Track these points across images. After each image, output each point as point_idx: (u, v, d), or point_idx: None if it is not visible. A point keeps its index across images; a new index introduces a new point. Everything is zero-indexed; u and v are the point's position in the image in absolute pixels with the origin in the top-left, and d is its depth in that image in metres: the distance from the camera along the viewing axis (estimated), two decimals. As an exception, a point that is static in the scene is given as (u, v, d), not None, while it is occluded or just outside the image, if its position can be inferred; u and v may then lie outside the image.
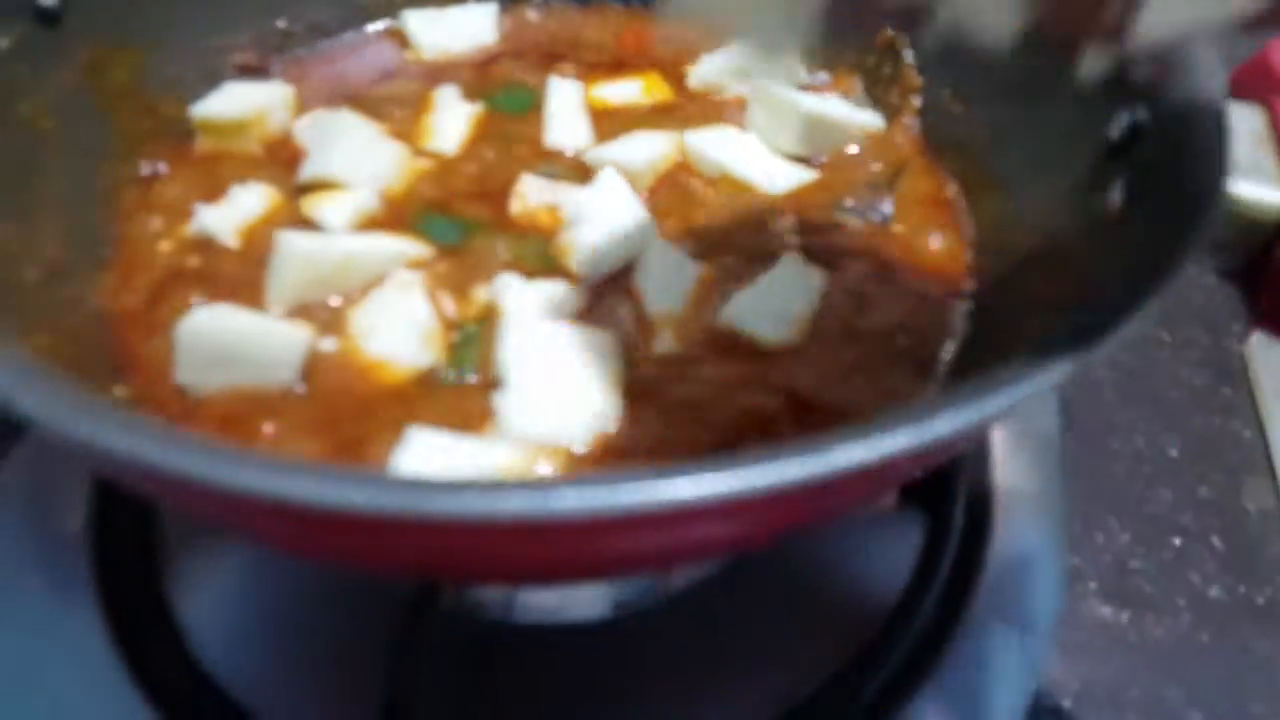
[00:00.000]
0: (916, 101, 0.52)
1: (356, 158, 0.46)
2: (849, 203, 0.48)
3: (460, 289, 0.43)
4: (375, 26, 0.57)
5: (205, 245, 0.43)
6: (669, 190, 0.48)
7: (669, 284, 0.41)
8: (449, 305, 0.42)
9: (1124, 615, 0.69)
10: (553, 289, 0.42)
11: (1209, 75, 0.35)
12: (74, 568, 0.45)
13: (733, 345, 0.41)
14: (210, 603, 0.45)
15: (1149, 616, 0.69)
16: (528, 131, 0.51)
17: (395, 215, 0.46)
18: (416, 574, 0.36)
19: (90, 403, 0.24)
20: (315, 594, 0.45)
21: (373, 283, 0.42)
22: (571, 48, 0.57)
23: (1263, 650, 0.67)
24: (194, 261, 0.43)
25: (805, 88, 0.54)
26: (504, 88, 0.53)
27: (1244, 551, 0.72)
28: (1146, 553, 0.72)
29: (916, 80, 0.52)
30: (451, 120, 0.50)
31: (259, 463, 0.22)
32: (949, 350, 0.42)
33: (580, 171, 0.49)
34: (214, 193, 0.45)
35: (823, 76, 0.55)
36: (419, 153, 0.49)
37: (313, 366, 0.39)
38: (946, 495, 0.50)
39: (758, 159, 0.49)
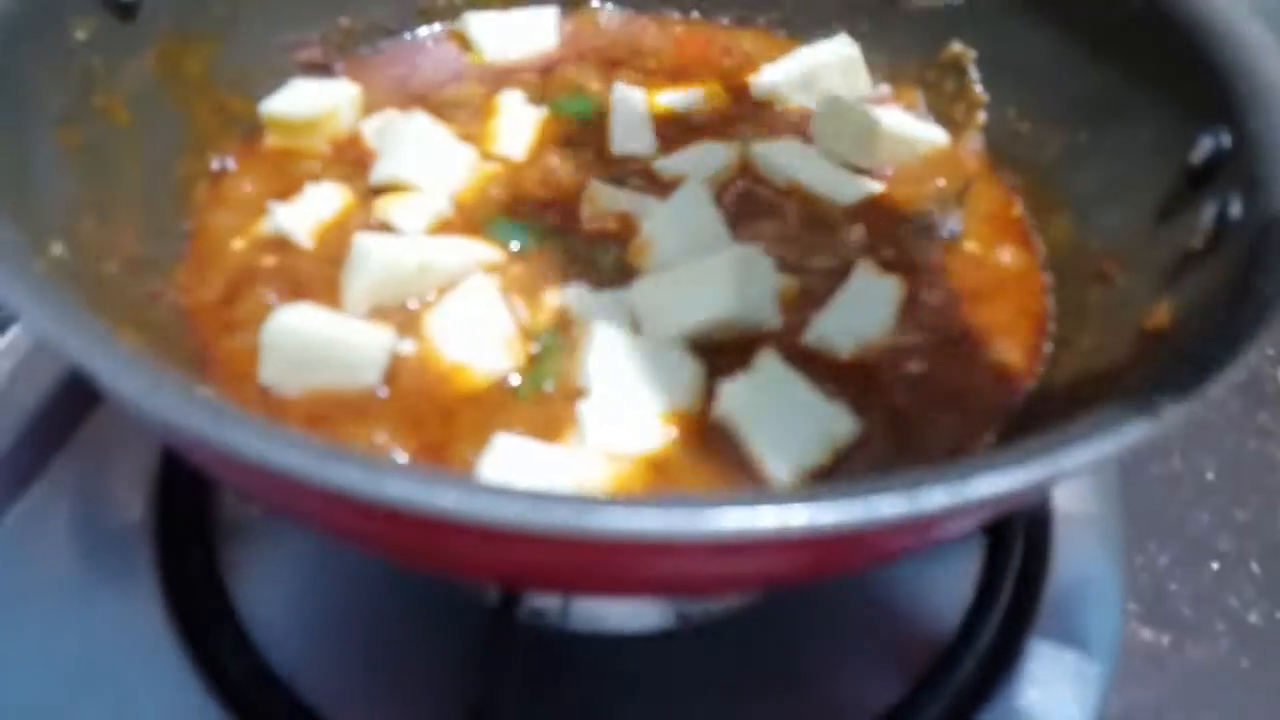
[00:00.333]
0: (981, 118, 0.52)
1: (429, 161, 0.46)
2: (918, 217, 0.48)
3: (532, 294, 0.42)
4: (436, 28, 0.57)
5: (279, 244, 0.43)
6: (737, 199, 0.48)
7: (752, 296, 0.41)
8: (521, 310, 0.41)
9: (1164, 638, 0.69)
10: (627, 298, 0.42)
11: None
12: (135, 560, 0.45)
13: (818, 358, 0.41)
14: (272, 594, 0.45)
15: (1189, 640, 0.69)
16: (592, 137, 0.51)
17: (466, 219, 0.45)
18: (508, 581, 0.36)
19: (218, 404, 0.24)
20: (383, 593, 0.45)
21: (446, 286, 0.41)
22: (632, 54, 0.57)
23: (1302, 678, 0.67)
24: (269, 260, 0.42)
25: (867, 100, 0.53)
26: (567, 93, 0.53)
27: (1282, 577, 0.72)
28: (1185, 575, 0.72)
29: (980, 96, 0.52)
30: (517, 125, 0.50)
31: (406, 473, 0.22)
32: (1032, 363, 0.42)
33: (648, 179, 0.49)
34: (285, 190, 0.45)
35: (884, 89, 0.55)
36: (488, 157, 0.48)
37: (393, 369, 0.39)
38: (1006, 520, 0.50)
39: (825, 170, 0.49)
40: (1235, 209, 0.35)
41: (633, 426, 0.37)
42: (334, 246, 0.43)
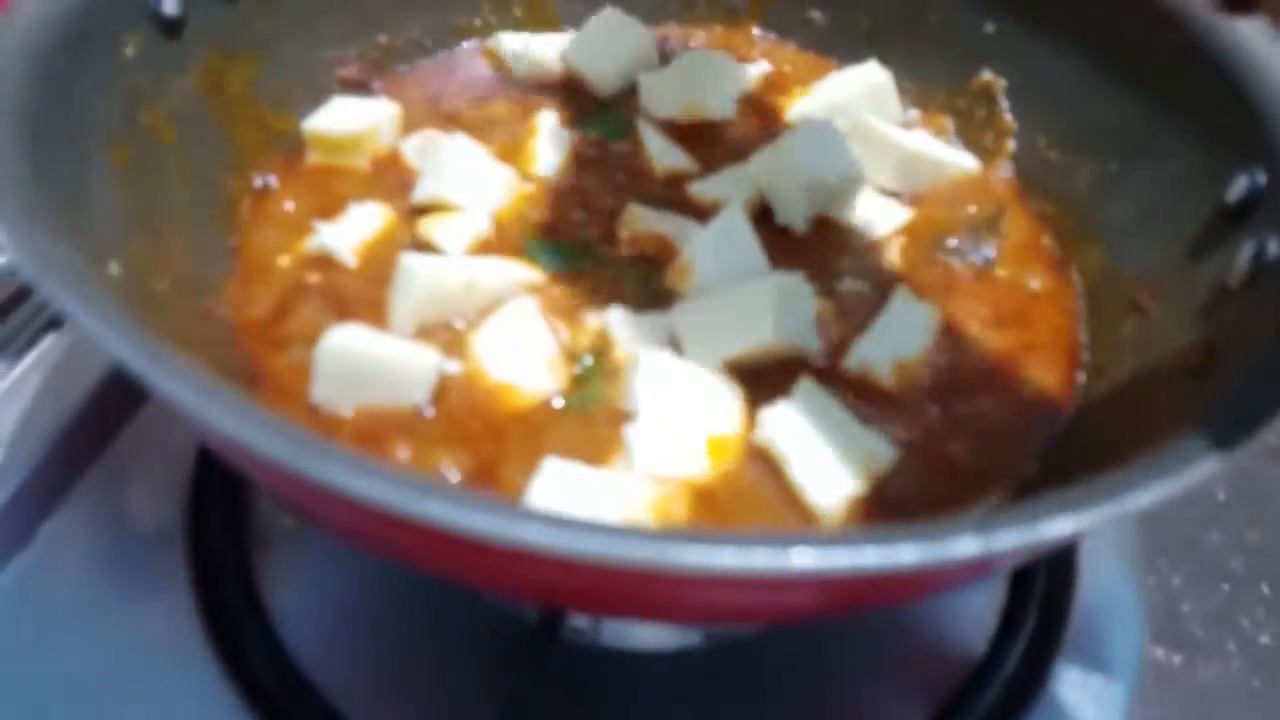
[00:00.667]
0: (1011, 146, 0.52)
1: (470, 181, 0.46)
2: (951, 243, 0.49)
3: (572, 316, 0.43)
4: (470, 45, 0.57)
5: (324, 261, 0.44)
6: (773, 224, 0.48)
7: (793, 322, 0.41)
8: (563, 331, 0.42)
9: (1176, 658, 0.70)
10: (667, 321, 0.42)
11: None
12: (168, 570, 0.45)
13: (857, 384, 0.41)
14: (307, 605, 0.45)
15: (1200, 660, 0.69)
16: (626, 157, 0.51)
17: (505, 239, 0.46)
18: (559, 604, 0.36)
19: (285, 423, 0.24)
20: (417, 603, 0.46)
21: (489, 306, 0.42)
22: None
23: (1311, 699, 0.68)
24: (314, 278, 0.43)
25: (899, 126, 0.54)
26: (599, 112, 0.54)
27: (1293, 598, 0.72)
28: (1197, 596, 0.73)
29: (1010, 124, 0.53)
30: (552, 145, 0.51)
31: (484, 504, 0.22)
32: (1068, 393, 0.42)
33: (683, 201, 0.49)
34: (327, 208, 0.46)
35: (914, 114, 0.56)
36: (525, 176, 0.49)
37: (440, 388, 0.39)
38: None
39: (859, 196, 0.50)
40: (1274, 249, 0.35)
41: (678, 451, 0.38)
42: (377, 265, 0.43)
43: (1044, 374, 0.43)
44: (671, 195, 0.49)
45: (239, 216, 0.45)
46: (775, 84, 0.57)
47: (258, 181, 0.47)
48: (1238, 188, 0.39)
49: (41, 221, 0.31)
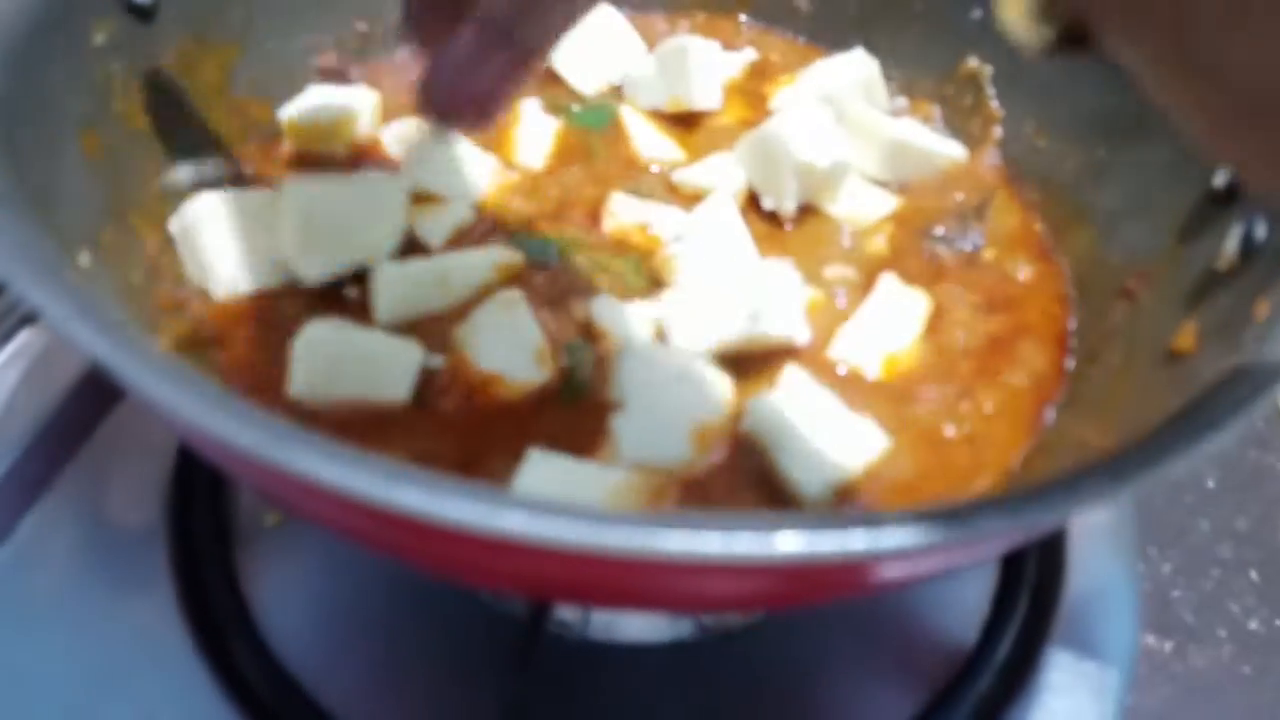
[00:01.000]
0: (997, 133, 0.52)
1: (453, 171, 0.45)
2: (939, 231, 0.48)
3: (559, 306, 0.42)
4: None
5: (303, 252, 0.43)
6: (761, 212, 0.48)
7: (781, 311, 0.41)
8: (549, 322, 0.41)
9: (1167, 645, 0.70)
10: (654, 310, 0.42)
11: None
12: (150, 567, 0.45)
13: (845, 372, 0.41)
14: (291, 602, 0.45)
15: (1192, 647, 0.70)
16: (611, 147, 0.51)
17: (488, 229, 0.45)
18: (546, 596, 0.35)
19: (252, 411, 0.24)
20: (403, 599, 0.45)
21: (475, 298, 0.41)
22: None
23: (1304, 686, 0.68)
24: (293, 269, 0.42)
25: (887, 114, 0.54)
26: (584, 101, 0.53)
27: (1281, 585, 0.73)
28: (1187, 583, 0.73)
29: (996, 111, 0.52)
30: (536, 134, 0.50)
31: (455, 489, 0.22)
32: (1057, 380, 0.42)
33: (670, 190, 0.49)
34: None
35: (901, 102, 0.55)
36: (509, 166, 0.48)
37: (423, 382, 0.39)
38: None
39: (846, 183, 0.49)
40: (1260, 232, 0.35)
41: (665, 440, 0.37)
42: (358, 256, 0.43)
43: (1033, 360, 0.43)
44: (658, 184, 0.49)
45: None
46: (762, 72, 0.56)
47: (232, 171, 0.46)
48: (1224, 172, 0.39)
49: (10, 212, 0.30)
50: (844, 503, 0.36)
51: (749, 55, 0.56)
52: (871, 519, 0.22)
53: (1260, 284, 0.33)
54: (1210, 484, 0.79)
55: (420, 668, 0.45)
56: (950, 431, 0.40)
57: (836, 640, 0.48)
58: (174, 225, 0.42)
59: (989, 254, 0.47)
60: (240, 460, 0.28)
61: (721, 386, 0.40)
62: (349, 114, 0.48)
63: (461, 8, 0.34)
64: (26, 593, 0.45)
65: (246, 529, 0.49)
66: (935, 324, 0.44)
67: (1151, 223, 0.42)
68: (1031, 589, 0.49)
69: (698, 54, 0.51)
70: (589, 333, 0.41)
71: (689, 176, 0.49)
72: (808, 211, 0.48)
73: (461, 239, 0.45)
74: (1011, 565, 0.49)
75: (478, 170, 0.46)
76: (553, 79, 0.53)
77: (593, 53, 0.53)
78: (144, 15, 0.43)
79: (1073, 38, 0.23)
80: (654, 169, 0.50)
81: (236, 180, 0.45)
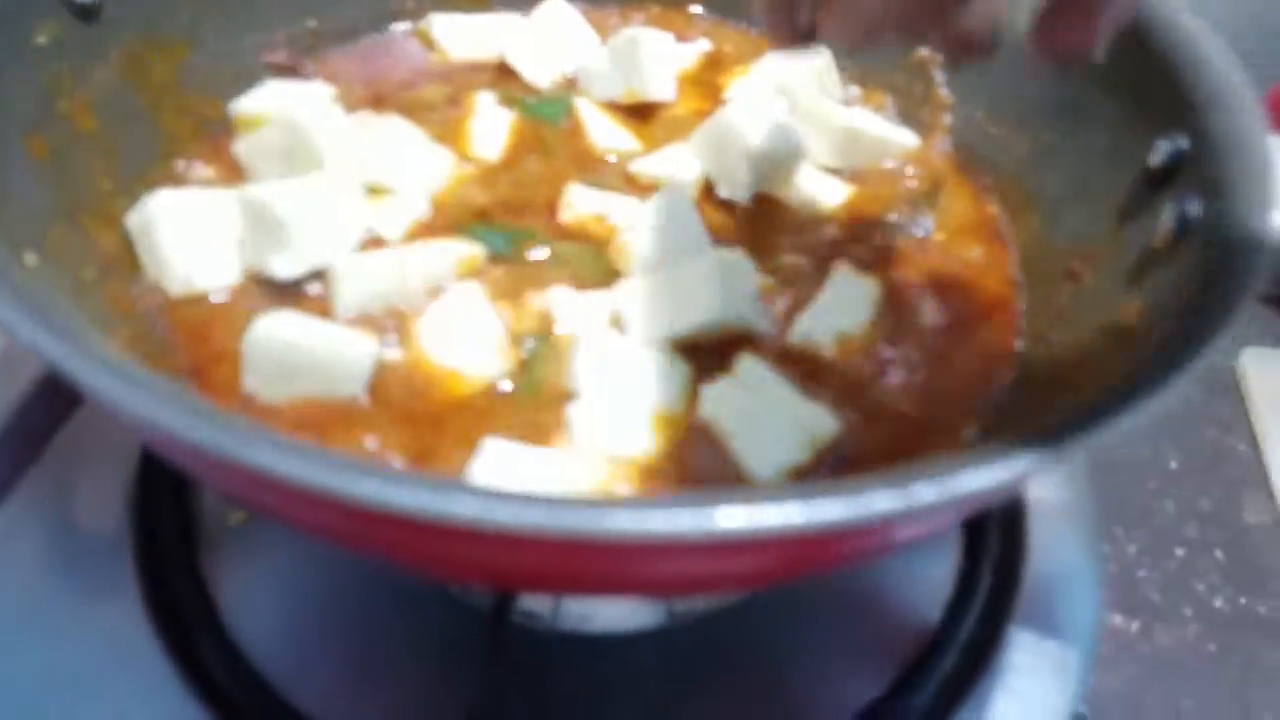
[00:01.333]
0: (947, 120, 0.53)
1: (408, 164, 0.45)
2: (892, 218, 0.49)
3: (516, 298, 0.42)
4: (402, 27, 0.56)
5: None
6: (715, 201, 0.48)
7: (736, 299, 0.41)
8: (506, 314, 0.41)
9: (1134, 624, 0.71)
10: (610, 301, 0.42)
11: (1247, 106, 0.36)
12: (116, 570, 0.44)
13: (800, 358, 0.41)
14: (258, 601, 0.45)
15: (1158, 626, 0.71)
16: (566, 139, 0.51)
17: (445, 222, 0.45)
18: (505, 584, 0.36)
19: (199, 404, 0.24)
20: (370, 595, 0.45)
21: (432, 291, 0.41)
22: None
23: (1270, 661, 0.69)
24: (247, 265, 0.42)
25: (839, 104, 0.54)
26: (539, 94, 0.53)
27: (1245, 563, 0.74)
28: (1153, 563, 0.74)
29: (947, 100, 0.53)
30: (491, 127, 0.50)
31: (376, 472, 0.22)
32: (1008, 359, 0.43)
33: (626, 181, 0.49)
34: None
35: (854, 92, 0.56)
36: (465, 159, 0.48)
37: (380, 376, 0.39)
38: (983, 511, 0.51)
39: (800, 172, 0.50)
40: (1194, 210, 0.36)
41: (621, 429, 0.37)
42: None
43: (984, 342, 0.43)
44: (615, 175, 0.49)
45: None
46: (716, 63, 0.56)
47: (180, 166, 0.46)
48: (1160, 153, 0.39)
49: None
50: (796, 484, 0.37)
51: (703, 46, 0.57)
52: (806, 491, 0.23)
53: (1189, 261, 0.34)
54: (1173, 465, 0.80)
55: (389, 663, 0.45)
56: (903, 413, 0.40)
57: (805, 623, 0.48)
58: (132, 221, 0.42)
59: (940, 239, 0.48)
60: (194, 456, 0.28)
61: (678, 375, 0.40)
62: (302, 108, 0.48)
63: None
64: (-10, 599, 0.45)
65: (212, 528, 0.49)
66: (888, 308, 0.44)
67: (1094, 205, 0.43)
68: (994, 569, 0.49)
69: (649, 45, 0.51)
70: (547, 324, 0.41)
71: (645, 167, 0.49)
72: (763, 200, 0.49)
73: (419, 232, 0.45)
74: (974, 546, 0.50)
75: (433, 163, 0.46)
76: (507, 73, 0.54)
77: (546, 46, 0.53)
78: (87, 15, 0.43)
79: None
80: (611, 160, 0.50)
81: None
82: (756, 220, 0.48)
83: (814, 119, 0.51)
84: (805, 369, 0.42)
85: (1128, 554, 0.74)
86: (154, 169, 0.45)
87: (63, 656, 0.43)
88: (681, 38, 0.57)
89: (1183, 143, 0.39)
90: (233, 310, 0.40)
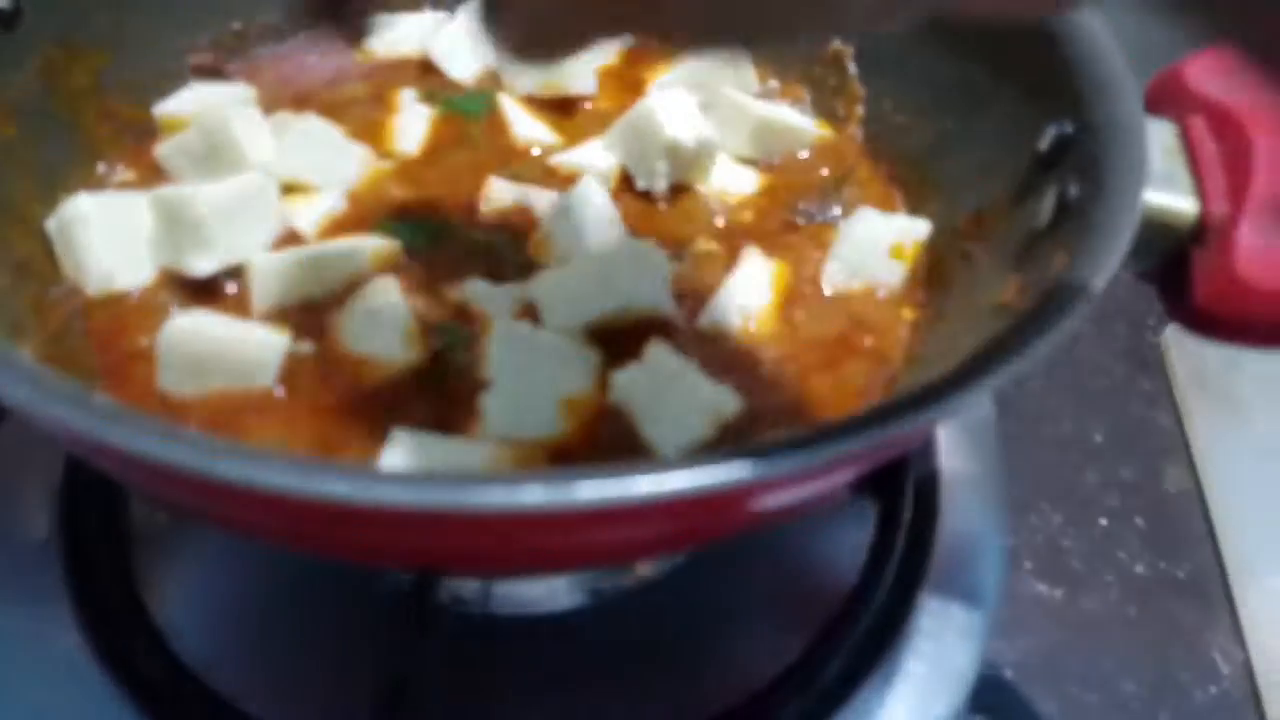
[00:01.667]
0: (860, 111, 0.55)
1: (323, 161, 0.47)
2: (801, 205, 0.51)
3: (432, 290, 0.44)
4: (327, 28, 0.57)
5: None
6: (632, 192, 0.50)
7: (647, 287, 0.43)
8: (423, 305, 0.43)
9: (1058, 592, 0.74)
10: (527, 291, 0.43)
11: (1126, 91, 0.38)
12: (45, 576, 0.45)
13: (710, 342, 0.43)
14: (187, 600, 0.46)
15: (1081, 592, 0.74)
16: (488, 134, 0.52)
17: (362, 217, 0.46)
18: (409, 566, 0.37)
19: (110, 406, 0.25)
20: (298, 585, 0.46)
21: (350, 285, 0.42)
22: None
23: (1187, 622, 0.72)
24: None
25: (758, 96, 0.56)
26: (461, 89, 0.54)
27: (1165, 530, 0.77)
28: (1076, 532, 0.77)
29: (859, 91, 0.55)
30: (412, 122, 0.51)
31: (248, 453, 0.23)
32: (903, 339, 0.45)
33: (546, 174, 0.50)
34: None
35: (773, 85, 0.58)
36: (384, 155, 0.49)
37: (295, 369, 0.40)
38: (896, 482, 0.53)
39: (716, 163, 0.51)
40: (1073, 191, 0.38)
41: (532, 415, 0.39)
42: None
43: (887, 320, 0.45)
44: (535, 168, 0.50)
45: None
46: (639, 59, 0.58)
47: (101, 169, 0.47)
48: (1048, 137, 0.42)
49: None
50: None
51: (626, 42, 0.58)
52: (656, 465, 0.24)
53: (1064, 238, 0.36)
54: (1098, 439, 0.83)
55: (318, 651, 0.46)
56: (807, 390, 0.42)
57: (727, 594, 0.50)
58: (51, 224, 0.42)
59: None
60: (98, 451, 0.29)
61: (589, 361, 0.41)
62: (224, 110, 0.48)
63: None
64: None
65: (141, 531, 0.49)
66: (795, 291, 0.46)
67: (990, 189, 0.45)
68: (907, 538, 0.52)
69: (567, 42, 0.52)
70: (463, 315, 0.43)
71: (565, 160, 0.50)
72: (679, 190, 0.50)
73: (336, 227, 0.46)
74: (887, 515, 0.52)
75: (349, 160, 0.48)
76: (431, 70, 0.55)
77: (464, 42, 0.54)
78: (7, 23, 0.43)
79: None
80: (534, 153, 0.52)
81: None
82: (672, 210, 0.50)
83: (729, 112, 0.52)
84: (713, 351, 0.43)
85: (1053, 524, 0.77)
86: (74, 173, 0.46)
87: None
88: (603, 34, 0.58)
89: (1068, 128, 0.41)
90: (148, 310, 0.41)
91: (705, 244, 0.48)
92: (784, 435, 0.27)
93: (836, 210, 0.50)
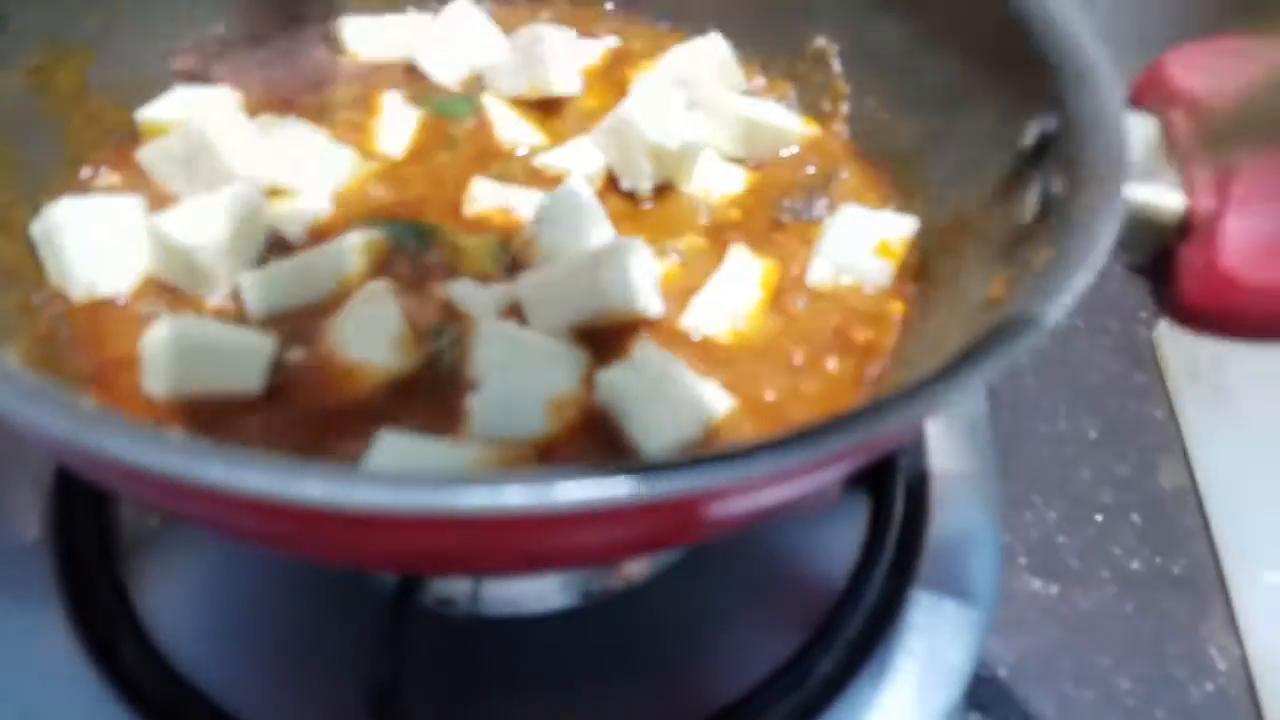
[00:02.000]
0: (845, 108, 0.55)
1: (309, 164, 0.46)
2: (787, 203, 0.51)
3: (419, 291, 0.43)
4: (311, 30, 0.57)
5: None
6: (620, 191, 0.50)
7: (634, 285, 0.42)
8: (412, 307, 0.42)
9: (1053, 588, 0.74)
10: (513, 291, 0.43)
11: (1107, 86, 0.38)
12: (36, 579, 0.45)
13: (697, 340, 0.43)
14: (178, 602, 0.46)
15: (1076, 589, 0.74)
16: (474, 135, 0.52)
17: (349, 219, 0.46)
18: (382, 567, 0.37)
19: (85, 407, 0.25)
20: (287, 589, 0.46)
21: (343, 287, 0.42)
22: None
23: (1181, 618, 0.72)
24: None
25: (744, 93, 0.56)
26: (446, 91, 0.54)
27: (1160, 526, 0.77)
28: (1071, 529, 0.77)
29: (844, 88, 0.55)
30: (398, 125, 0.51)
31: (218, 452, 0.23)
32: (892, 334, 0.45)
33: (531, 174, 0.50)
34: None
35: (759, 82, 0.57)
36: (368, 157, 0.49)
37: (285, 374, 0.39)
38: (887, 480, 0.53)
39: (701, 162, 0.51)
40: (1057, 187, 0.38)
41: (519, 415, 0.39)
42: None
43: (875, 319, 0.45)
44: (520, 169, 0.50)
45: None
46: (623, 58, 0.58)
47: (85, 173, 0.47)
48: (1031, 134, 0.41)
49: None
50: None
51: (611, 42, 0.58)
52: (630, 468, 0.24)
53: (1048, 234, 0.36)
54: (1093, 435, 0.83)
55: (307, 652, 0.46)
56: (795, 390, 0.42)
57: (718, 594, 0.50)
58: (36, 229, 0.42)
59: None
60: (70, 453, 0.28)
61: (576, 360, 0.41)
62: (206, 115, 0.48)
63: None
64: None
65: (132, 533, 0.49)
66: (782, 289, 0.46)
67: (976, 185, 0.45)
68: (899, 536, 0.52)
69: (552, 41, 0.52)
70: (450, 316, 0.43)
71: (550, 160, 0.50)
72: (665, 190, 0.50)
73: (322, 230, 0.46)
74: (879, 512, 0.52)
75: (334, 163, 0.48)
76: (415, 73, 0.55)
77: (451, 46, 0.54)
78: (-8, 26, 0.43)
79: None
80: (519, 154, 0.51)
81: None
82: (658, 209, 0.50)
83: (715, 110, 0.52)
84: (701, 350, 0.43)
85: (1048, 521, 0.77)
86: (59, 177, 0.45)
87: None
88: (590, 34, 0.58)
89: (1051, 123, 0.41)
90: (134, 315, 0.41)
91: (692, 242, 0.48)
92: (765, 437, 0.27)
93: (823, 207, 0.50)
